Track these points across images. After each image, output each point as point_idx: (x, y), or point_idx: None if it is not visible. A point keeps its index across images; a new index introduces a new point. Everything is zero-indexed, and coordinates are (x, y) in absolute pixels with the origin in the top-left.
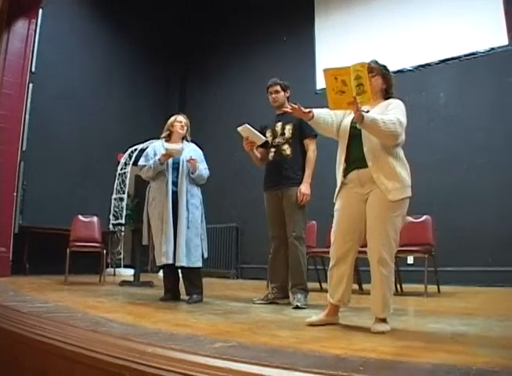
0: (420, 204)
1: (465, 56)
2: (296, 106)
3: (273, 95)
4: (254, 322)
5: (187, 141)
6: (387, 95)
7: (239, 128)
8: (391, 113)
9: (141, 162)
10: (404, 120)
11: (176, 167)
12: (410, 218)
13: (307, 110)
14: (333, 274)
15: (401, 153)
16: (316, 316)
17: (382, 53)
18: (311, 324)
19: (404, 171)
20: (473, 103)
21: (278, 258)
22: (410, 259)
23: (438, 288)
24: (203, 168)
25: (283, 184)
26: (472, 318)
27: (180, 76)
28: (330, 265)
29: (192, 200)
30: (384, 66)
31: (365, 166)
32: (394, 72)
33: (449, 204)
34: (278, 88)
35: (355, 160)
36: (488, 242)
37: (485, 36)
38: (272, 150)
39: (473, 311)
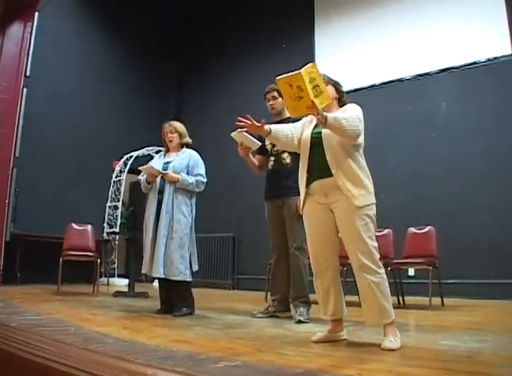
0: (423, 214)
1: (467, 64)
2: (249, 122)
3: (271, 102)
4: (257, 338)
5: (186, 147)
6: (340, 103)
7: (233, 134)
8: (348, 111)
9: (140, 176)
10: (361, 118)
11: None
12: (413, 229)
13: (260, 123)
14: (319, 288)
15: (362, 160)
16: (321, 332)
17: (383, 62)
18: (317, 342)
19: (366, 179)
20: (475, 112)
21: (279, 269)
22: (411, 271)
23: (442, 301)
24: (188, 177)
25: (283, 194)
26: (483, 334)
27: (177, 79)
28: (313, 280)
29: (180, 209)
30: (335, 80)
31: (328, 175)
32: (395, 81)
33: (451, 213)
34: (275, 94)
35: (318, 169)
36: (489, 253)
37: (488, 45)
38: (272, 158)
39: (481, 326)
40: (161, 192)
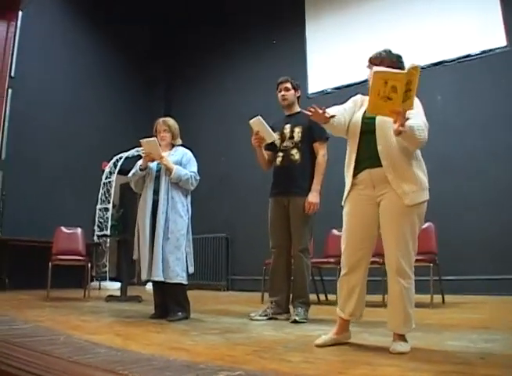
0: None
1: (461, 57)
2: (319, 110)
3: (283, 93)
4: (257, 343)
5: (178, 146)
6: None
7: (252, 121)
8: (415, 116)
9: (130, 174)
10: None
11: (158, 175)
12: None
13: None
14: (344, 285)
15: (418, 151)
16: (325, 335)
17: None
18: (322, 346)
19: (421, 172)
20: (471, 105)
21: (279, 270)
22: None
23: (443, 299)
24: (182, 169)
25: (290, 192)
26: (490, 333)
27: (166, 78)
28: (341, 275)
29: (176, 209)
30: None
31: (378, 165)
32: None
33: (448, 210)
34: (288, 85)
35: (367, 158)
36: (488, 250)
37: (482, 37)
38: (280, 154)
39: (487, 324)
40: (156, 192)
